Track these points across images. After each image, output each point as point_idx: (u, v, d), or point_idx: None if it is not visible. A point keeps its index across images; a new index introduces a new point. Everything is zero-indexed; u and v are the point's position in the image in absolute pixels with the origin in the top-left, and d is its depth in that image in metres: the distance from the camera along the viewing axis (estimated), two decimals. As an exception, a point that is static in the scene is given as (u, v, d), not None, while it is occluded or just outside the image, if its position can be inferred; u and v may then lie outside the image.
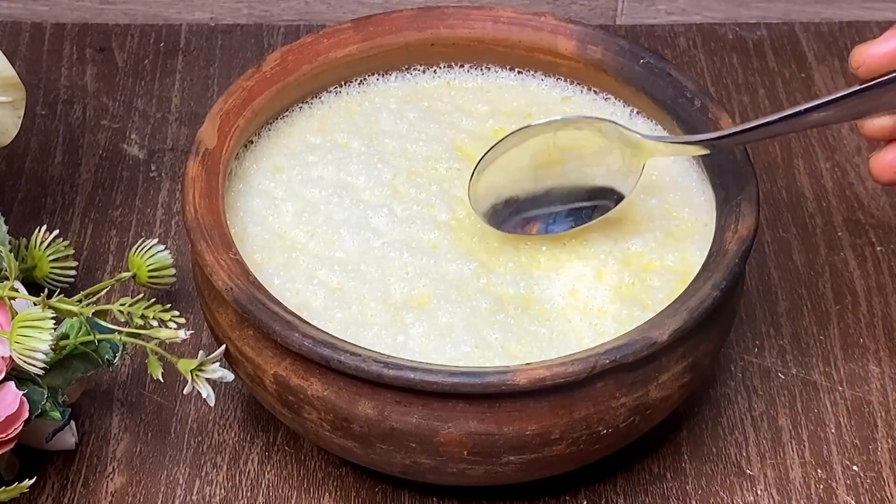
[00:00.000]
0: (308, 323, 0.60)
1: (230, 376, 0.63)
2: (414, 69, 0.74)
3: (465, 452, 0.60)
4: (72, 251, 0.74)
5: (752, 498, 0.67)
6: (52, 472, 0.68)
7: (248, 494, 0.67)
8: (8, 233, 0.69)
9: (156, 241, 0.72)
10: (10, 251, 0.67)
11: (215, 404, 0.69)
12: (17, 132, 0.72)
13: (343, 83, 0.73)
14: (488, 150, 0.66)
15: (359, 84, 0.74)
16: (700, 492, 0.68)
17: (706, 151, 0.65)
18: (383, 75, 0.74)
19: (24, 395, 0.62)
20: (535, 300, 0.65)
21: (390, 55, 0.73)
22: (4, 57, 0.70)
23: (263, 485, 0.67)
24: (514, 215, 0.67)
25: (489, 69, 0.74)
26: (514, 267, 0.66)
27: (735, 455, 0.69)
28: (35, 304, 0.63)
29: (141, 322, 0.63)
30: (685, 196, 0.69)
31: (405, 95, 0.73)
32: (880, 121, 0.60)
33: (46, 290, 0.65)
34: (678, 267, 0.66)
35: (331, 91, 0.73)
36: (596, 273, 0.65)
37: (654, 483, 0.68)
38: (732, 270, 0.62)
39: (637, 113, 0.72)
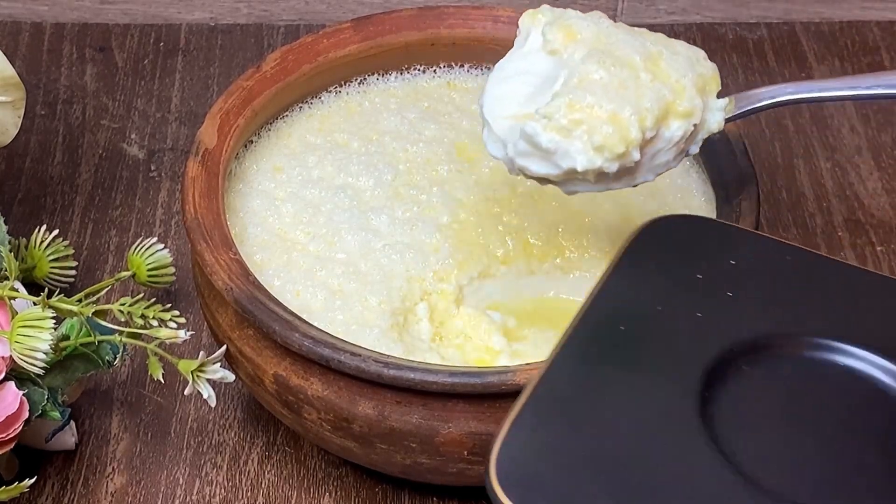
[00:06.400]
0: (308, 323, 0.60)
1: (231, 377, 0.62)
2: (414, 69, 0.74)
3: (465, 452, 0.60)
4: (71, 251, 0.74)
5: (752, 498, 0.67)
6: (51, 472, 0.68)
7: (248, 494, 0.67)
8: (8, 233, 0.69)
9: (155, 239, 0.72)
10: (10, 251, 0.67)
11: (215, 404, 0.69)
12: (16, 132, 0.72)
13: (343, 83, 0.73)
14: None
15: (359, 84, 0.74)
16: (700, 492, 0.68)
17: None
18: (383, 75, 0.74)
19: (24, 395, 0.62)
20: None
21: (390, 55, 0.73)
22: (4, 57, 0.70)
23: (263, 485, 0.67)
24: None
25: (489, 69, 0.74)
26: (517, 271, 0.66)
27: (735, 455, 0.69)
28: (35, 304, 0.63)
29: (141, 322, 0.63)
30: (685, 197, 0.69)
31: (405, 95, 0.73)
32: None
33: (46, 290, 0.65)
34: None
35: (331, 91, 0.73)
36: (598, 277, 0.65)
37: (654, 483, 0.68)
38: (733, 270, 0.62)
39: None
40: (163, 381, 0.64)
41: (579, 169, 0.53)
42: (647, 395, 0.53)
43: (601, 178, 0.55)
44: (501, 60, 0.57)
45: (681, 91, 0.55)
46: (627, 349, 0.54)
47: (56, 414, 0.64)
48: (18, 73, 0.71)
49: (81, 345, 0.64)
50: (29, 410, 0.62)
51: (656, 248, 0.56)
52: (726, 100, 0.57)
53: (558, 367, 0.53)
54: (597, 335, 0.54)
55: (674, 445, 0.50)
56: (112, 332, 0.64)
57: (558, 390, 0.52)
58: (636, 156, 0.54)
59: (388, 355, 0.59)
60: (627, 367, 0.53)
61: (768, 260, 0.55)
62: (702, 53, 0.56)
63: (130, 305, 0.63)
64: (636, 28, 0.57)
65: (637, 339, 0.53)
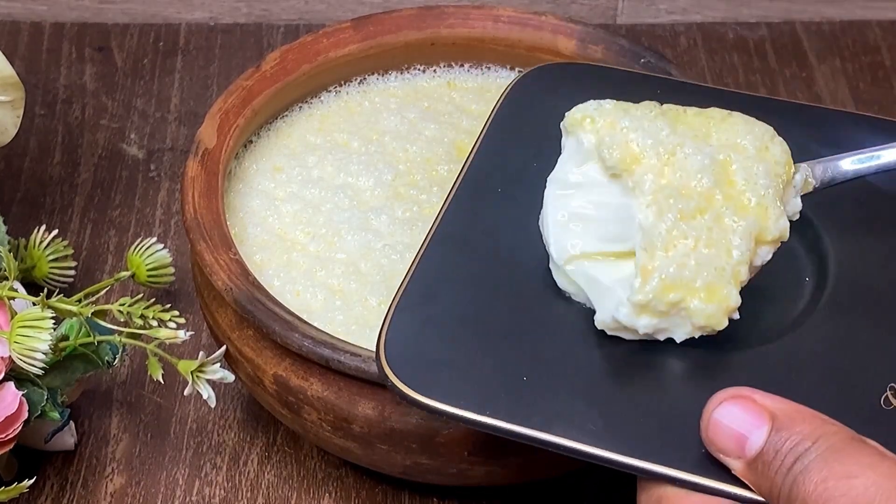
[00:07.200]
0: (308, 323, 0.60)
1: (231, 377, 0.62)
2: (414, 69, 0.74)
3: (466, 452, 0.60)
4: (71, 251, 0.73)
5: (752, 498, 0.67)
6: (51, 472, 0.68)
7: (248, 495, 0.67)
8: (7, 233, 0.69)
9: (154, 239, 0.72)
10: (10, 251, 0.67)
11: (215, 405, 0.69)
12: (16, 132, 0.72)
13: (343, 83, 0.73)
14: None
15: (359, 84, 0.74)
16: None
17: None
18: (383, 75, 0.74)
19: (23, 395, 0.62)
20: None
21: (390, 55, 0.73)
22: (4, 56, 0.70)
23: (263, 485, 0.67)
24: None
25: (489, 69, 0.74)
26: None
27: (736, 455, 0.69)
28: (34, 304, 0.63)
29: (140, 322, 0.63)
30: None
31: (405, 95, 0.73)
32: None
33: (45, 290, 0.65)
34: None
35: (331, 91, 0.73)
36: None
37: (654, 483, 0.68)
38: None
39: (638, 113, 0.71)
40: (162, 382, 0.64)
41: (678, 341, 0.50)
42: (523, 259, 0.54)
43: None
44: (555, 172, 0.54)
45: (764, 214, 0.50)
46: (504, 215, 0.55)
47: (55, 414, 0.64)
48: (18, 73, 0.70)
49: (81, 345, 0.64)
50: (28, 411, 0.62)
51: (535, 99, 0.56)
52: (802, 177, 0.52)
53: (437, 244, 0.55)
54: (473, 204, 0.56)
55: (542, 299, 0.53)
56: (111, 332, 0.63)
57: (437, 269, 0.54)
58: (737, 316, 0.50)
59: (389, 355, 0.59)
60: (504, 236, 0.55)
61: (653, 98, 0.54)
62: (769, 132, 0.51)
63: (130, 305, 0.63)
64: (687, 110, 0.52)
65: (513, 201, 0.55)
